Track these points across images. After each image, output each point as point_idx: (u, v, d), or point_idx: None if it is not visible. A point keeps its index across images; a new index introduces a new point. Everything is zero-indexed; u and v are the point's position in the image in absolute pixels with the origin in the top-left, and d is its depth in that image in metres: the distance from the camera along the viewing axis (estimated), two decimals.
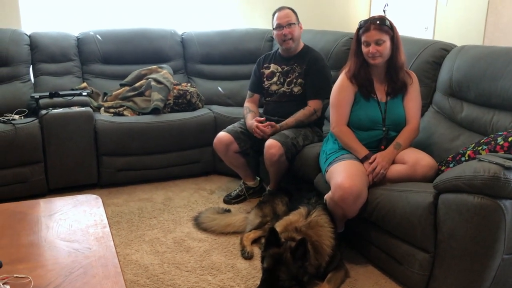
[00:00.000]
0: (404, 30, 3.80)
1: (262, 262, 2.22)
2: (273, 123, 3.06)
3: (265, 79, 3.31)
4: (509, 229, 1.91)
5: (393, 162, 2.48)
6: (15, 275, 1.51)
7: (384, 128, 2.59)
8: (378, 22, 2.50)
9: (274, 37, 3.30)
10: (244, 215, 2.92)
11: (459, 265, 1.99)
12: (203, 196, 3.41)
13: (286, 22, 3.14)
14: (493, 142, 2.23)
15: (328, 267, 2.29)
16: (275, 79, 3.27)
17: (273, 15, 3.24)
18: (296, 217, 2.40)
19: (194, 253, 2.62)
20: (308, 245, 2.16)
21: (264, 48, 4.27)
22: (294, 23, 3.16)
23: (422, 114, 2.82)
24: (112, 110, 3.71)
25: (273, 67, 3.29)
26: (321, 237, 2.29)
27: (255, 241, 2.70)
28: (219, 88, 4.23)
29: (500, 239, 1.91)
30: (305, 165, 2.93)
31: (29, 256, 1.67)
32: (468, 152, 2.32)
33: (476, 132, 2.56)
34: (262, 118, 3.13)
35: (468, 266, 1.97)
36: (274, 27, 3.20)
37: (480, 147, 2.26)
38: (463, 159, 2.32)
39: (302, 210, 2.43)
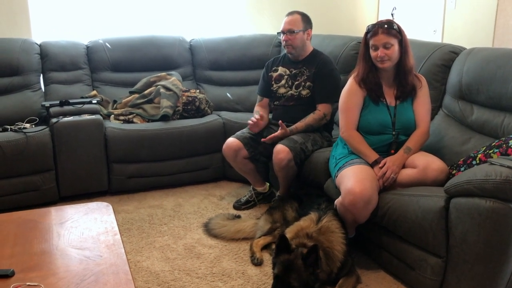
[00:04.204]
0: (412, 33, 3.79)
1: (273, 268, 2.21)
2: (285, 126, 3.04)
3: (273, 82, 3.30)
4: None
5: (404, 166, 2.47)
6: (28, 283, 1.52)
7: (394, 132, 2.58)
8: (386, 26, 2.50)
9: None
10: (254, 221, 2.92)
11: (472, 270, 1.97)
12: (213, 202, 3.42)
13: (287, 30, 3.14)
14: (504, 145, 2.21)
15: (340, 273, 2.28)
16: (283, 82, 3.26)
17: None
18: (307, 223, 2.39)
19: (204, 260, 2.62)
20: (320, 251, 2.15)
21: (272, 53, 4.27)
22: (295, 31, 3.14)
23: (432, 118, 2.80)
24: (121, 117, 3.73)
25: (281, 69, 3.29)
26: (332, 243, 2.28)
27: (265, 247, 2.69)
28: (228, 94, 4.24)
29: None
30: (315, 170, 2.92)
31: (41, 264, 1.68)
32: (479, 155, 2.30)
33: (487, 135, 2.54)
34: (271, 135, 3.06)
35: (481, 271, 1.95)
36: (280, 30, 3.22)
37: (491, 150, 2.24)
38: (474, 162, 2.30)
39: (313, 215, 2.42)
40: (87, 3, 4.33)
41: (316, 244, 2.14)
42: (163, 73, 4.06)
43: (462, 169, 2.33)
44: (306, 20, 3.20)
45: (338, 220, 2.40)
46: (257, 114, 3.20)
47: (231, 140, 3.18)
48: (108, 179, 3.53)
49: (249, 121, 3.15)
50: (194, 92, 3.97)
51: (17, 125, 3.40)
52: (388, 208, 2.31)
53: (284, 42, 3.17)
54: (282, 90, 3.27)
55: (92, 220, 2.03)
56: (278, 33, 3.23)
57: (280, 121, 3.06)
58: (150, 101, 3.83)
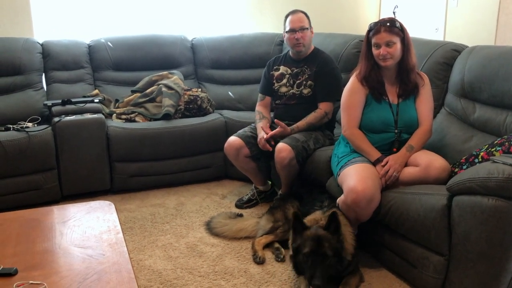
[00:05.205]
0: (414, 31, 3.77)
1: (297, 249, 2.18)
2: (284, 125, 3.04)
3: (274, 81, 3.30)
4: None
5: (406, 165, 2.46)
6: (30, 281, 1.53)
7: (396, 131, 2.57)
8: (388, 24, 2.49)
9: (285, 40, 3.29)
10: (256, 220, 2.92)
11: (475, 268, 1.97)
12: (215, 201, 3.42)
13: (299, 27, 3.13)
14: (507, 143, 2.21)
15: (345, 270, 2.27)
16: (284, 81, 3.26)
17: (286, 17, 3.23)
18: (314, 216, 2.38)
19: (206, 258, 2.62)
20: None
21: (274, 52, 4.27)
22: (307, 28, 3.16)
23: (434, 116, 2.79)
24: (124, 116, 3.73)
25: (282, 69, 3.29)
26: (345, 234, 2.26)
27: (267, 246, 2.70)
28: (230, 93, 4.24)
29: None
30: (317, 169, 2.92)
31: (43, 262, 1.68)
32: (481, 153, 2.30)
33: (489, 133, 2.54)
34: (270, 132, 3.06)
35: (484, 269, 1.95)
36: (287, 30, 3.19)
37: (494, 148, 2.24)
38: (476, 160, 2.29)
39: (318, 213, 2.42)
40: (89, 2, 4.34)
41: (334, 211, 2.17)
42: (165, 72, 4.06)
43: (464, 167, 2.33)
44: (309, 19, 3.21)
45: (344, 216, 2.39)
46: (263, 132, 3.11)
47: (233, 139, 3.18)
48: (110, 178, 3.54)
49: (264, 146, 3.04)
50: (196, 91, 3.97)
51: (20, 124, 3.41)
52: (391, 206, 2.31)
53: (296, 40, 3.15)
54: (283, 89, 3.27)
55: (94, 219, 2.03)
56: (287, 31, 3.20)
57: (276, 120, 3.06)
58: (152, 100, 3.83)
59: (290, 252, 2.27)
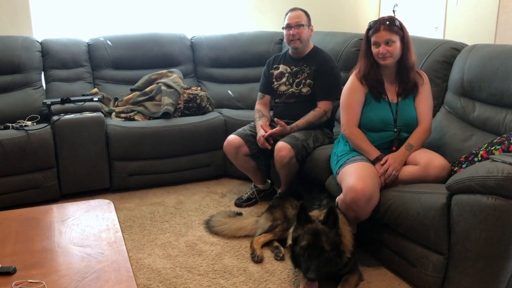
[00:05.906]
0: (414, 30, 3.78)
1: (296, 239, 2.20)
2: (284, 124, 3.04)
3: (274, 80, 3.31)
4: None
5: (405, 163, 2.46)
6: (29, 280, 1.53)
7: (395, 129, 2.57)
8: (388, 22, 2.49)
9: (284, 37, 3.31)
10: (255, 219, 2.92)
11: (474, 267, 1.97)
12: (214, 200, 3.42)
13: (295, 23, 3.14)
14: (506, 142, 2.20)
15: (344, 269, 2.27)
16: (284, 79, 3.26)
17: (286, 14, 3.25)
18: (312, 214, 2.38)
19: (206, 257, 2.62)
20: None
21: (273, 50, 4.26)
22: (303, 25, 3.16)
23: (434, 115, 2.79)
24: (123, 115, 3.73)
25: (282, 67, 3.29)
26: (343, 232, 2.25)
27: (266, 245, 2.70)
28: (229, 92, 4.24)
29: None
30: (316, 167, 2.92)
31: (42, 261, 1.68)
32: (481, 152, 2.30)
33: (488, 132, 2.54)
34: (270, 131, 3.06)
35: (483, 268, 1.95)
36: (284, 26, 3.22)
37: (493, 147, 2.24)
38: (476, 159, 2.29)
39: (316, 212, 2.41)
40: (88, 0, 4.33)
41: (332, 205, 2.18)
42: (164, 71, 4.05)
43: (464, 166, 2.33)
44: (308, 17, 3.22)
45: (342, 215, 2.39)
46: (262, 130, 3.10)
47: (232, 137, 3.18)
48: (110, 176, 3.54)
49: (263, 144, 3.04)
50: (195, 90, 3.97)
51: (19, 122, 3.41)
52: (390, 205, 2.30)
53: (292, 36, 3.15)
54: (283, 88, 3.27)
55: (93, 218, 2.03)
56: (283, 28, 3.22)
57: (276, 119, 3.06)
58: (151, 99, 3.83)
59: (290, 242, 2.28)
